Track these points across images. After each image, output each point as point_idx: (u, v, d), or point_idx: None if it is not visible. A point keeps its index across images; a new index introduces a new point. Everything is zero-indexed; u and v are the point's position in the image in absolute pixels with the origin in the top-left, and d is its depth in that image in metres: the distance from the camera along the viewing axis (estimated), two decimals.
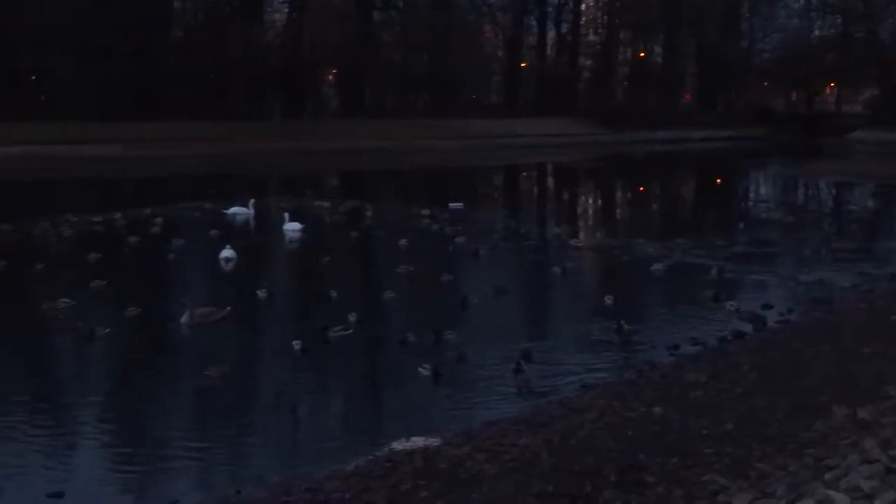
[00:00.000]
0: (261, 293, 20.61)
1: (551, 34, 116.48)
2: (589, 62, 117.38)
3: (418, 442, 10.73)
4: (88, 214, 34.15)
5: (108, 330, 17.23)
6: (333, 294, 20.14)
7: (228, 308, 18.76)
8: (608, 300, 19.38)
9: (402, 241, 27.75)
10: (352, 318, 17.70)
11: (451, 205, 36.57)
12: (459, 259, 26.32)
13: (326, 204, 38.92)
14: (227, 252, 25.47)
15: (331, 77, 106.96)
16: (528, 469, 9.30)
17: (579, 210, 45.63)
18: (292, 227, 30.99)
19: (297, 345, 15.89)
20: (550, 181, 65.33)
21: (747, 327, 17.38)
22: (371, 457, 10.52)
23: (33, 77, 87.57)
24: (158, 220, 32.79)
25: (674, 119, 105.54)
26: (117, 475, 10.99)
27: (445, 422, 12.32)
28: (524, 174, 69.20)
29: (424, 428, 11.66)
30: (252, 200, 35.67)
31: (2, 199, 46.20)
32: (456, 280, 22.67)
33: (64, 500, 10.04)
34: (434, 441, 10.74)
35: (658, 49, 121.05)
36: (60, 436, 12.33)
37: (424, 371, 14.39)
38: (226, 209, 35.23)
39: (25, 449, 11.79)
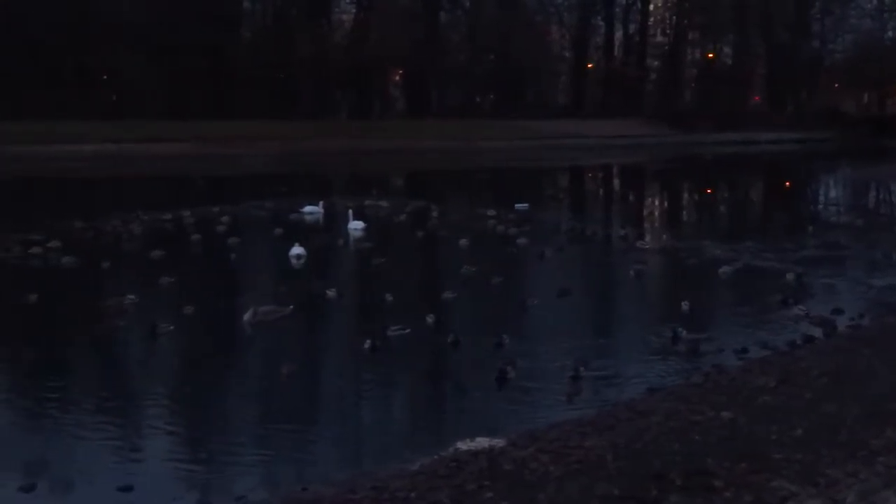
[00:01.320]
0: (330, 292, 20.69)
1: (619, 35, 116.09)
2: (656, 63, 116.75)
3: (483, 442, 10.70)
4: (158, 212, 34.65)
5: (172, 327, 17.43)
6: (396, 294, 20.14)
7: (291, 306, 18.86)
8: (685, 306, 18.94)
9: (467, 242, 27.77)
10: (430, 319, 17.63)
11: (516, 205, 36.52)
12: (525, 260, 26.28)
13: (392, 204, 39.03)
14: (297, 249, 25.82)
15: (397, 77, 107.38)
16: (593, 472, 9.24)
17: (646, 212, 45.27)
18: (356, 226, 31.26)
19: (367, 343, 15.94)
20: (617, 182, 64.92)
21: (817, 332, 17.09)
22: (436, 456, 10.51)
23: (105, 76, 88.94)
24: (226, 218, 33.14)
25: (742, 121, 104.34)
26: (185, 470, 11.09)
27: (509, 423, 12.27)
28: (590, 175, 68.86)
29: (488, 429, 11.63)
30: (321, 201, 36.05)
31: (75, 196, 47.06)
32: (521, 281, 22.64)
33: (133, 494, 10.17)
34: (499, 442, 10.71)
35: (727, 50, 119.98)
36: (128, 431, 12.48)
37: (490, 373, 14.33)
38: (301, 208, 35.69)
39: (95, 443, 11.94)
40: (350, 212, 32.40)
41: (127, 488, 10.26)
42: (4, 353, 17.13)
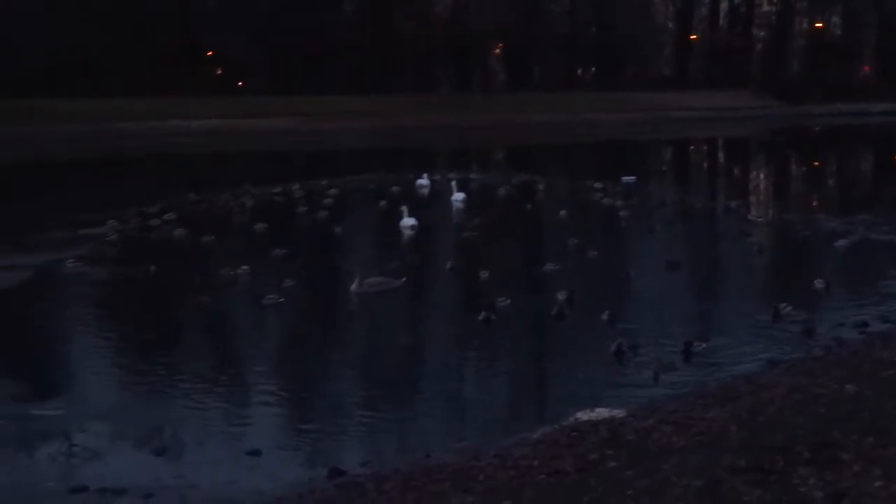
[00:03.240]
0: (447, 264, 20.77)
1: (724, 5, 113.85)
2: (763, 33, 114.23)
3: (603, 413, 10.70)
4: (267, 186, 35.19)
5: (282, 299, 17.74)
6: (504, 266, 20.24)
7: (403, 279, 18.97)
8: (819, 284, 18.25)
9: (574, 215, 27.67)
10: (561, 296, 17.30)
11: (623, 178, 36.21)
12: (633, 233, 26.06)
13: (497, 177, 39.04)
14: (409, 220, 26.10)
15: (497, 51, 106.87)
16: (717, 443, 9.17)
17: (755, 185, 44.52)
18: (458, 198, 31.58)
19: (481, 316, 15.97)
20: (723, 155, 63.91)
21: None
22: (556, 426, 10.54)
23: (210, 53, 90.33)
24: (333, 191, 33.53)
25: (852, 92, 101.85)
26: (309, 436, 11.32)
27: (624, 394, 12.25)
28: (696, 148, 67.92)
29: (605, 400, 11.64)
30: (425, 174, 36.26)
31: (186, 170, 48.06)
32: (630, 254, 22.50)
33: (262, 458, 10.41)
34: (619, 412, 10.70)
35: (836, 19, 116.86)
36: (248, 398, 12.76)
37: (601, 345, 14.26)
38: (415, 180, 35.93)
39: (216, 410, 12.28)
40: (453, 184, 32.64)
41: (255, 452, 10.50)
42: (129, 323, 17.67)
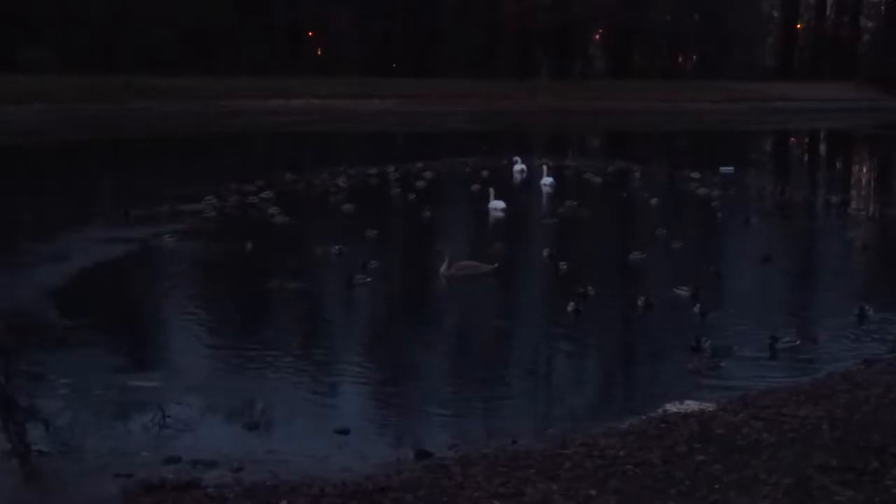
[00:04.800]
0: (545, 252, 20.69)
1: None
2: (871, 24, 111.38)
3: (692, 406, 10.62)
4: (364, 166, 35.46)
5: (370, 279, 17.90)
6: (599, 254, 20.09)
7: (496, 265, 18.92)
8: None
9: (669, 205, 27.43)
10: (683, 291, 16.97)
11: (721, 169, 35.68)
12: (729, 225, 25.66)
13: (593, 163, 38.79)
14: (497, 203, 26.39)
15: (597, 37, 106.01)
16: (809, 440, 9.06)
17: (857, 179, 43.55)
18: (547, 182, 31.82)
19: (570, 306, 15.90)
20: (825, 148, 62.60)
21: None
22: (645, 417, 10.48)
23: (311, 33, 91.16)
24: (427, 173, 33.64)
25: None
26: (396, 417, 11.44)
27: (716, 388, 12.11)
28: (798, 139, 66.65)
29: (693, 392, 11.54)
30: (518, 158, 36.12)
31: (284, 149, 48.70)
32: (727, 245, 22.23)
33: (351, 437, 10.53)
34: (709, 406, 10.60)
35: None
36: (335, 378, 12.90)
37: (695, 339, 14.07)
38: (514, 164, 35.87)
39: (305, 388, 12.44)
40: (545, 168, 32.61)
41: (344, 431, 10.64)
42: (223, 299, 17.99)
